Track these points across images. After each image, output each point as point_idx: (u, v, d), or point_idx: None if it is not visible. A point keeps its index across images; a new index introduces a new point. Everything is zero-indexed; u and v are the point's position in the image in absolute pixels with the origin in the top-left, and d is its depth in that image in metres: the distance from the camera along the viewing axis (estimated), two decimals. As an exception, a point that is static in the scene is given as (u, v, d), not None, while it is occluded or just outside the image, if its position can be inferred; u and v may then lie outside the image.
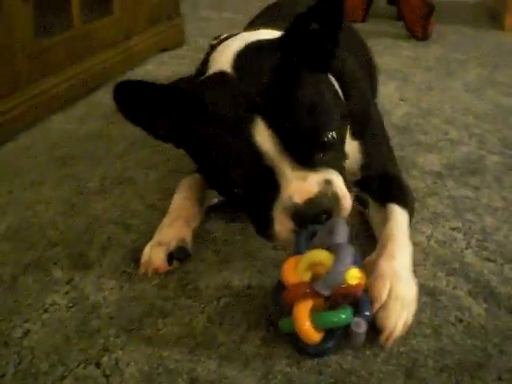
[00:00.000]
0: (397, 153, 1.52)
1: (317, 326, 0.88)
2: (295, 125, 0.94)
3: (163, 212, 1.25)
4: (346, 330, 0.91)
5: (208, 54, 1.17)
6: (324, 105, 0.99)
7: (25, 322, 0.99)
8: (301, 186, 0.95)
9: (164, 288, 1.07)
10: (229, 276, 1.10)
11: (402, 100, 2.04)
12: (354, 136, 1.20)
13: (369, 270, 0.99)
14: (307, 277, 0.90)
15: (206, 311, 1.02)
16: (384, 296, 0.95)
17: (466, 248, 1.20)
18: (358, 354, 0.93)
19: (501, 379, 0.89)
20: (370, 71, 1.59)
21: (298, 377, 0.90)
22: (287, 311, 0.90)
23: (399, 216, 1.13)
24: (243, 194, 1.00)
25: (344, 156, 1.07)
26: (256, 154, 0.94)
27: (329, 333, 0.91)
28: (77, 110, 1.85)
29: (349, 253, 0.89)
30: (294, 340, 0.92)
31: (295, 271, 0.91)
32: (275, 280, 1.06)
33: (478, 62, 2.61)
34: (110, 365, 0.91)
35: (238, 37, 1.15)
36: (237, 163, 0.96)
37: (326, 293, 0.86)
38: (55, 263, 1.13)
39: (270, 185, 0.96)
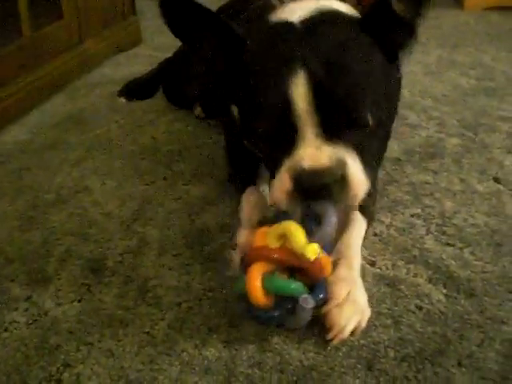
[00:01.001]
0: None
1: (267, 290, 0.90)
2: (334, 93, 0.91)
3: (121, 220, 1.24)
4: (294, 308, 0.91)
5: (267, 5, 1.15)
6: (372, 88, 0.95)
7: (-16, 342, 0.98)
8: (313, 153, 0.92)
9: (124, 297, 1.06)
10: (189, 280, 1.10)
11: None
12: None
13: None
14: (274, 244, 0.91)
15: (166, 318, 1.01)
16: (342, 296, 0.96)
17: (426, 234, 1.20)
18: (320, 350, 0.94)
19: (461, 365, 0.90)
20: None
21: (260, 377, 0.90)
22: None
23: (359, 225, 1.13)
24: (263, 141, 0.99)
25: (379, 153, 1.04)
26: (286, 106, 0.92)
27: (278, 302, 0.92)
28: (31, 119, 1.82)
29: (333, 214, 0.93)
30: (245, 301, 0.93)
31: (264, 237, 0.93)
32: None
33: (437, 43, 2.61)
34: (71, 381, 0.91)
35: (313, 2, 1.09)
36: (266, 109, 0.94)
37: (317, 239, 0.90)
38: (13, 280, 1.11)
39: (289, 142, 0.94)
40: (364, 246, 1.15)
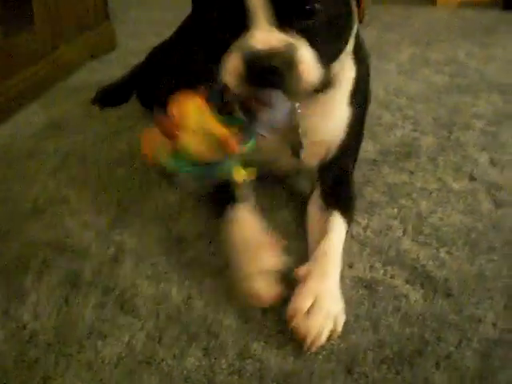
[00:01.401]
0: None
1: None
2: None
3: (98, 229, 1.24)
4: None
5: None
6: None
7: (-38, 359, 0.97)
8: (265, 36, 0.95)
9: (102, 308, 1.06)
10: (167, 288, 1.09)
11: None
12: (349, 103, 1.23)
13: (299, 280, 1.02)
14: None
15: (145, 328, 1.01)
16: (304, 307, 0.97)
17: (403, 235, 1.21)
18: (299, 355, 0.94)
19: (439, 365, 0.90)
20: None
21: (240, 385, 0.90)
22: None
23: (338, 230, 1.14)
24: (215, 28, 1.01)
25: (333, 47, 1.05)
26: None
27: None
28: (5, 129, 1.80)
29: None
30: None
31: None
32: (215, 288, 1.07)
33: (411, 41, 2.63)
34: (51, 394, 0.90)
35: None
36: None
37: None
38: (-11, 295, 1.10)
39: (241, 26, 0.96)
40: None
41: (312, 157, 1.22)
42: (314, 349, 0.94)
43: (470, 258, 1.13)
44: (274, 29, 0.95)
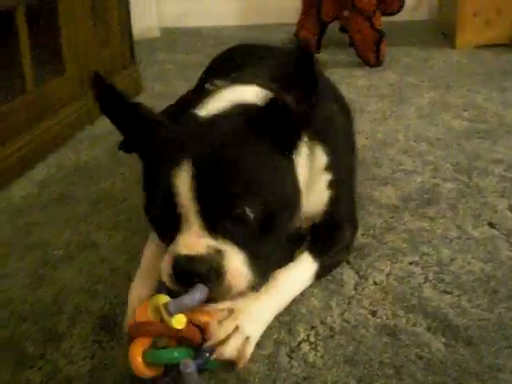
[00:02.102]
0: (354, 190, 1.57)
1: (149, 362, 0.94)
2: (214, 186, 0.98)
3: (128, 275, 1.28)
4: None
5: (203, 95, 1.25)
6: (254, 183, 1.02)
7: (3, 401, 1.01)
8: (191, 241, 0.99)
9: (134, 353, 1.09)
10: (196, 334, 1.13)
11: (358, 133, 2.09)
12: (328, 186, 1.27)
13: None
14: (154, 317, 0.96)
15: (175, 373, 1.04)
16: (220, 312, 1.02)
17: (424, 282, 1.24)
18: (324, 402, 0.97)
19: (461, 414, 0.93)
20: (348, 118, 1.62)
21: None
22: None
23: (303, 267, 1.19)
24: (154, 223, 1.08)
25: (273, 247, 1.08)
26: (171, 194, 0.99)
27: (167, 370, 0.97)
28: (37, 173, 1.87)
29: (199, 291, 0.96)
30: None
31: (145, 310, 0.98)
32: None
33: (430, 84, 2.68)
34: None
35: (227, 92, 1.22)
36: (156, 196, 1.03)
37: (173, 311, 0.93)
38: (27, 338, 1.15)
39: (175, 227, 1.01)
40: (365, 295, 1.19)
41: (308, 219, 1.28)
42: (218, 357, 0.99)
43: (489, 306, 1.16)
44: (204, 233, 0.99)
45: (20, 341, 1.14)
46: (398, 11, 3.10)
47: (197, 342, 0.98)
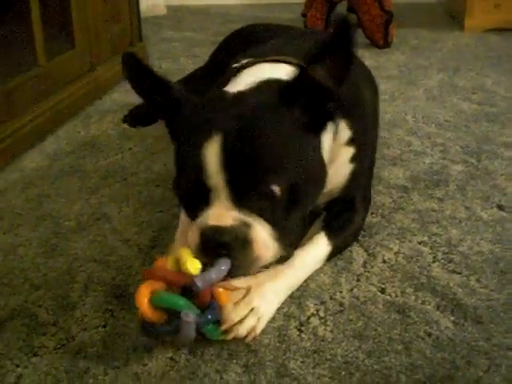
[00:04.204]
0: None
1: (156, 305, 0.97)
2: (244, 162, 1.00)
3: (140, 247, 1.30)
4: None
5: (228, 74, 1.27)
6: (281, 159, 1.03)
7: (17, 366, 1.02)
8: (219, 213, 1.02)
9: (146, 323, 1.11)
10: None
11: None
12: (350, 159, 1.28)
13: None
14: (171, 266, 1.00)
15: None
16: (233, 298, 1.04)
17: (433, 261, 1.25)
18: (334, 375, 0.98)
19: (469, 390, 0.95)
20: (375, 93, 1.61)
21: (279, 402, 0.94)
22: None
23: (319, 249, 1.21)
24: (183, 195, 1.10)
25: (297, 219, 1.10)
26: (201, 169, 1.01)
27: (170, 318, 0.98)
28: (47, 146, 1.88)
29: (224, 264, 1.00)
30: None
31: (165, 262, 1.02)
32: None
33: (439, 66, 2.68)
34: (100, 404, 0.96)
35: (255, 69, 1.23)
36: (186, 170, 1.06)
37: (200, 286, 0.96)
38: (40, 306, 1.16)
39: (204, 200, 1.04)
40: (374, 272, 1.21)
41: (329, 192, 1.28)
42: (230, 336, 1.02)
43: (498, 286, 1.17)
44: (232, 207, 1.01)
45: (33, 308, 1.16)
46: (408, -8, 3.09)
47: (205, 302, 1.00)
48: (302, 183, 1.06)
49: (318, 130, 1.11)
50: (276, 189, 1.01)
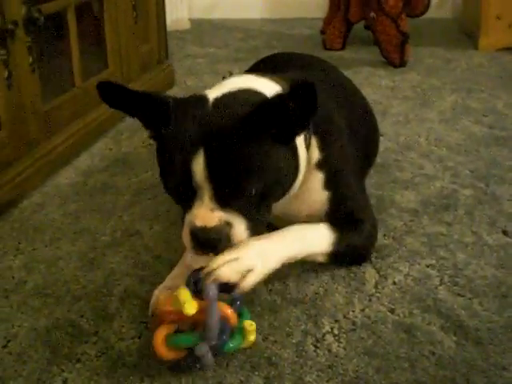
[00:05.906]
0: (375, 192, 1.71)
1: (170, 346, 1.10)
2: (225, 172, 1.14)
3: (169, 262, 1.42)
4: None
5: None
6: (258, 166, 1.16)
7: (62, 371, 1.15)
8: (204, 213, 1.16)
9: (177, 336, 1.22)
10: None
11: (381, 135, 2.20)
12: (325, 186, 1.39)
13: None
14: (177, 307, 1.09)
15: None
16: (217, 261, 1.16)
17: (440, 284, 1.36)
18: (346, 388, 1.10)
19: (467, 405, 1.06)
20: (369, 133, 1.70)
21: (297, 411, 1.06)
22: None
23: (319, 229, 1.35)
24: (172, 196, 1.25)
25: (264, 211, 1.23)
26: (188, 175, 1.15)
27: (189, 352, 1.11)
28: (81, 162, 2.00)
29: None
30: None
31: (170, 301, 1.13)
32: (272, 323, 1.23)
33: (452, 87, 2.77)
34: (137, 408, 1.08)
35: (244, 78, 1.38)
36: (175, 174, 1.18)
37: (214, 342, 1.09)
38: (81, 316, 1.28)
39: (190, 201, 1.18)
40: (384, 293, 1.32)
41: (309, 219, 1.39)
42: (209, 280, 1.12)
43: (499, 310, 1.28)
44: (215, 206, 1.16)
45: (75, 318, 1.28)
46: (423, 13, 3.19)
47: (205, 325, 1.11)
48: (273, 184, 1.20)
49: (288, 141, 1.23)
50: (252, 191, 1.17)
